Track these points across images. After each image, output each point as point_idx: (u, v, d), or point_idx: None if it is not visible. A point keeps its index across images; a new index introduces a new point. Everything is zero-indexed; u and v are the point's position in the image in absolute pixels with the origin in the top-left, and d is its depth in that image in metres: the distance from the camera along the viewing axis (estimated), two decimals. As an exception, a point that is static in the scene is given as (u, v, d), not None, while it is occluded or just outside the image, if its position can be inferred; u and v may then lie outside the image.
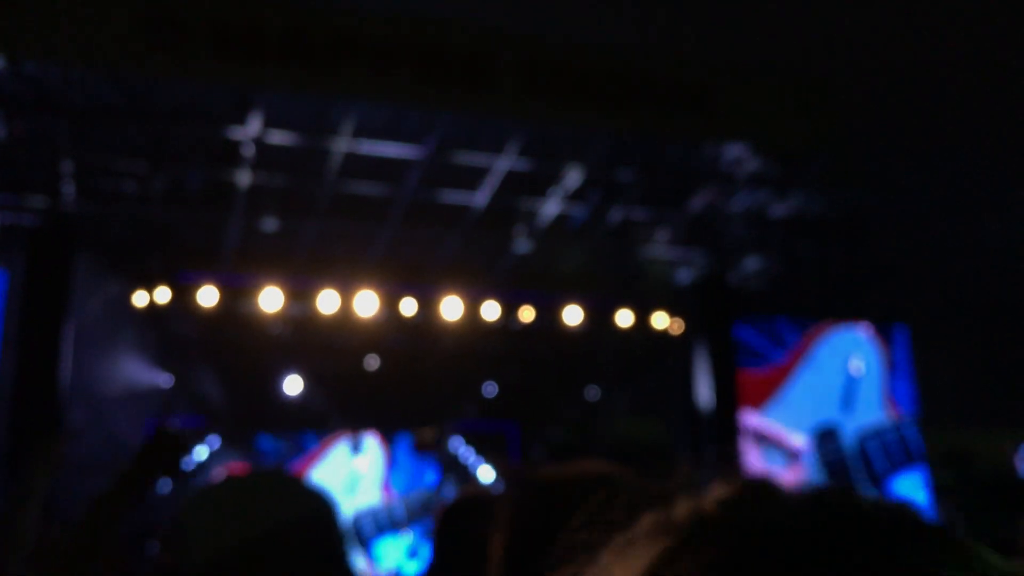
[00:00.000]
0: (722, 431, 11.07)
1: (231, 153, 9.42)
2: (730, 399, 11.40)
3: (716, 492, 0.60)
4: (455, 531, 2.15)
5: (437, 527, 2.29)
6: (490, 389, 14.57)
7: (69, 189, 9.84)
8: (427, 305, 11.89)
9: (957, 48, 10.03)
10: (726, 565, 0.53)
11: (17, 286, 9.94)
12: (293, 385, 13.25)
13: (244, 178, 9.66)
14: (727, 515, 0.57)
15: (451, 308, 11.78)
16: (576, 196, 10.49)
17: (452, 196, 10.50)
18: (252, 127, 8.81)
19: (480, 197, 10.33)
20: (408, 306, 11.73)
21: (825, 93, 9.55)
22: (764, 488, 0.59)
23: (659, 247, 11.55)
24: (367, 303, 11.47)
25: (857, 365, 11.99)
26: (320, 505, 1.56)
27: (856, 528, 0.53)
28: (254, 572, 1.40)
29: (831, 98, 9.46)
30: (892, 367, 12.22)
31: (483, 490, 2.11)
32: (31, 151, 9.46)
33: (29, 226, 10.02)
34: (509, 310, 12.05)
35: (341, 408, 13.56)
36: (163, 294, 10.71)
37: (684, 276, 12.18)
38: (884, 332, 12.22)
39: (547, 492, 1.32)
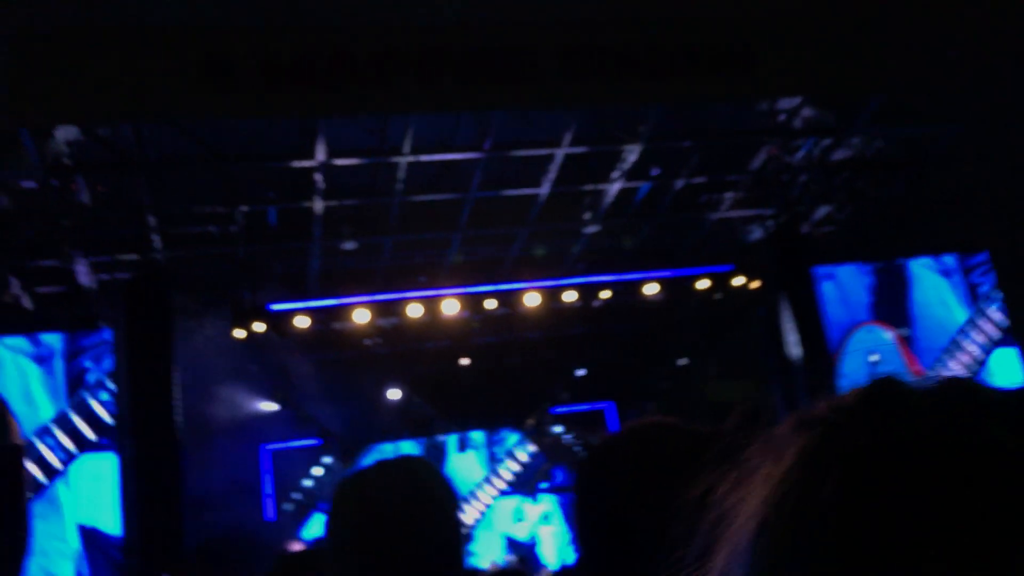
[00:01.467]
0: (815, 381, 11.08)
1: (302, 183, 9.78)
2: (819, 348, 11.40)
3: (848, 392, 0.61)
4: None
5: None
6: (580, 372, 14.77)
7: (156, 240, 10.34)
8: (507, 299, 12.15)
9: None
10: (872, 448, 0.54)
11: (122, 340, 10.46)
12: (394, 395, 13.65)
13: (318, 205, 10.03)
14: (865, 406, 0.58)
15: (531, 299, 12.02)
16: (637, 172, 10.60)
17: (516, 191, 10.72)
18: (318, 155, 9.14)
19: (543, 189, 10.52)
20: (490, 303, 12.00)
21: (871, 34, 9.48)
22: (892, 382, 0.60)
23: (726, 209, 11.60)
24: (451, 306, 11.78)
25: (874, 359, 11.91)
26: (449, 493, 1.69)
27: (985, 409, 0.55)
28: (387, 553, 1.52)
29: (876, 37, 9.40)
30: (976, 297, 12.08)
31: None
32: (116, 210, 9.96)
33: (125, 281, 10.55)
34: (588, 293, 12.22)
35: (442, 410, 13.92)
36: (258, 325, 11.17)
37: (756, 233, 12.21)
38: (964, 262, 12.08)
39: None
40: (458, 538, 1.63)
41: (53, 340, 10.62)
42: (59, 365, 10.58)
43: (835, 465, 0.54)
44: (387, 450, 14.31)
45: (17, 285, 10.50)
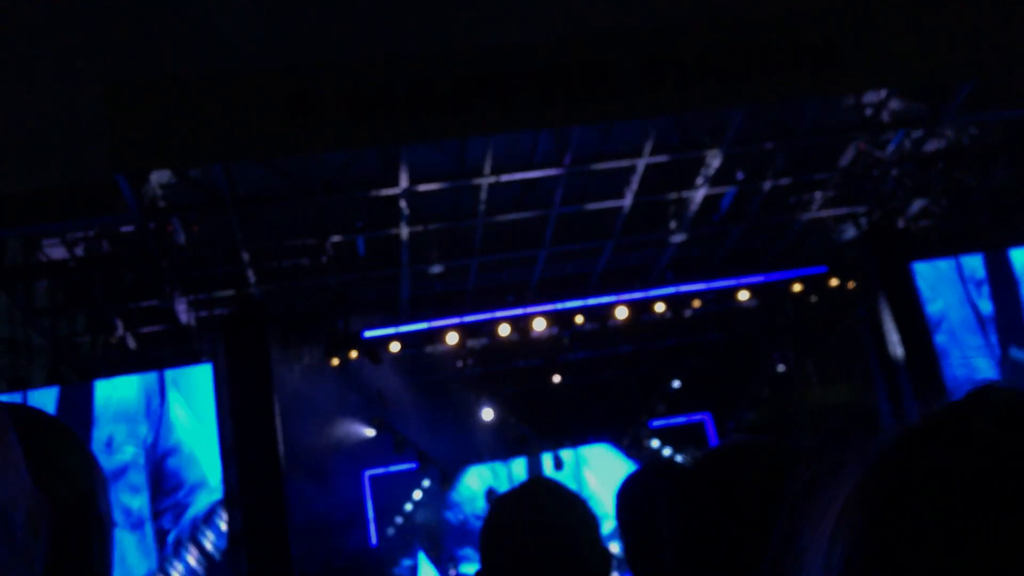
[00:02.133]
0: (921, 380, 10.70)
1: (388, 211, 9.91)
2: (923, 345, 11.01)
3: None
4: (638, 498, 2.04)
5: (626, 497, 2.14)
6: (676, 384, 14.58)
7: (251, 275, 10.59)
8: (596, 314, 12.07)
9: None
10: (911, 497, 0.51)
11: (223, 373, 10.71)
12: (488, 415, 13.68)
13: (404, 231, 10.14)
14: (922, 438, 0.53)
15: (620, 312, 11.92)
16: (721, 177, 10.44)
17: (599, 204, 10.66)
18: (402, 183, 9.25)
19: (626, 200, 10.44)
20: (579, 319, 11.95)
21: (958, 16, 9.17)
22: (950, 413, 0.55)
23: (818, 208, 11.33)
24: (540, 323, 11.77)
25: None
26: (591, 516, 1.72)
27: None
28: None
29: (962, 21, 9.08)
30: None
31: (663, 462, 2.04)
32: (211, 248, 10.25)
33: (222, 316, 10.82)
34: (678, 303, 12.07)
35: (536, 428, 13.89)
36: (353, 352, 11.31)
37: (850, 232, 11.89)
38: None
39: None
40: (605, 558, 1.67)
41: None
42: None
43: (874, 516, 0.51)
44: (484, 471, 14.32)
45: (121, 326, 10.86)
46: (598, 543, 1.68)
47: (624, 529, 1.90)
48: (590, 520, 1.70)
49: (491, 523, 1.72)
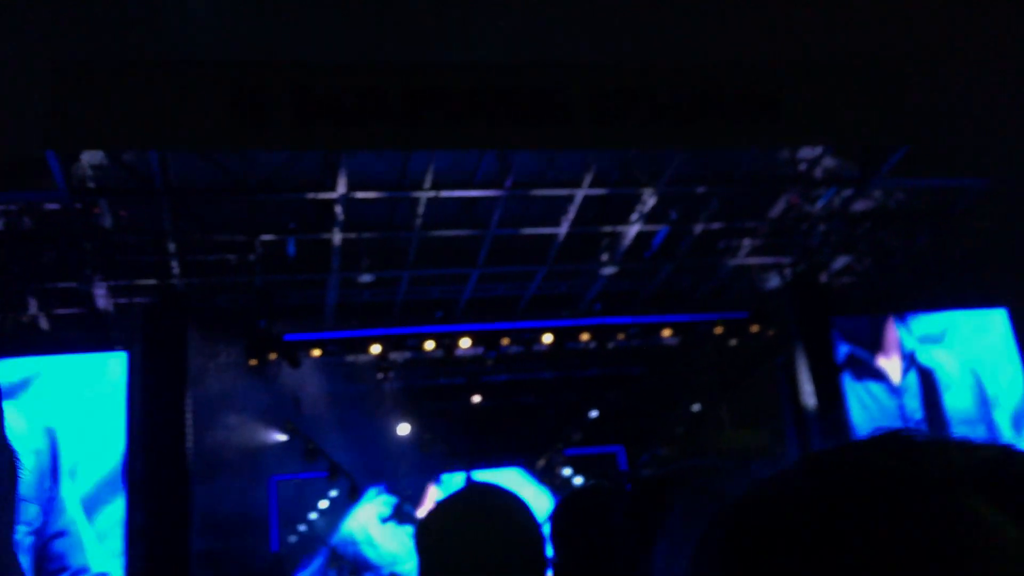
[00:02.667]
0: (830, 430, 10.98)
1: (323, 215, 9.84)
2: (835, 398, 11.31)
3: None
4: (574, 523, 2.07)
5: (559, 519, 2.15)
6: (593, 414, 14.70)
7: (175, 266, 10.39)
8: (523, 338, 12.13)
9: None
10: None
11: (137, 364, 10.48)
12: (404, 430, 13.59)
13: (337, 237, 10.07)
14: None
15: (546, 338, 11.99)
16: (656, 215, 10.62)
17: (535, 229, 10.75)
18: (339, 189, 9.19)
19: (562, 228, 10.54)
20: (505, 341, 11.99)
21: (897, 83, 9.51)
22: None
23: (745, 255, 11.59)
24: (465, 342, 11.77)
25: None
26: (532, 520, 1.73)
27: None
28: None
29: (903, 89, 9.42)
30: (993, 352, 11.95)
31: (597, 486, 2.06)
32: (137, 235, 10.03)
33: (142, 305, 10.59)
34: (603, 334, 12.20)
35: (452, 447, 13.85)
36: (273, 355, 11.16)
37: (774, 281, 12.18)
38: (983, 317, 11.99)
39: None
40: (542, 566, 1.68)
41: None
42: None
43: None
44: (397, 485, 14.22)
45: (35, 305, 10.54)
46: (539, 551, 1.68)
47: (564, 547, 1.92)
48: (532, 528, 1.70)
49: (433, 524, 1.70)
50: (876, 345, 11.64)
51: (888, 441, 0.56)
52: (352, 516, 13.59)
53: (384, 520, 13.42)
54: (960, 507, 0.49)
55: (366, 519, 13.50)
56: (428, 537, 1.68)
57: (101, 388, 10.46)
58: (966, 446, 0.55)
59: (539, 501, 14.15)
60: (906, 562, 0.48)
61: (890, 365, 11.77)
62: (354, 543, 13.26)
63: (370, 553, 13.10)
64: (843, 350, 11.49)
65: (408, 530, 13.18)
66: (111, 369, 10.51)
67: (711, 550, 0.54)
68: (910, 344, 11.79)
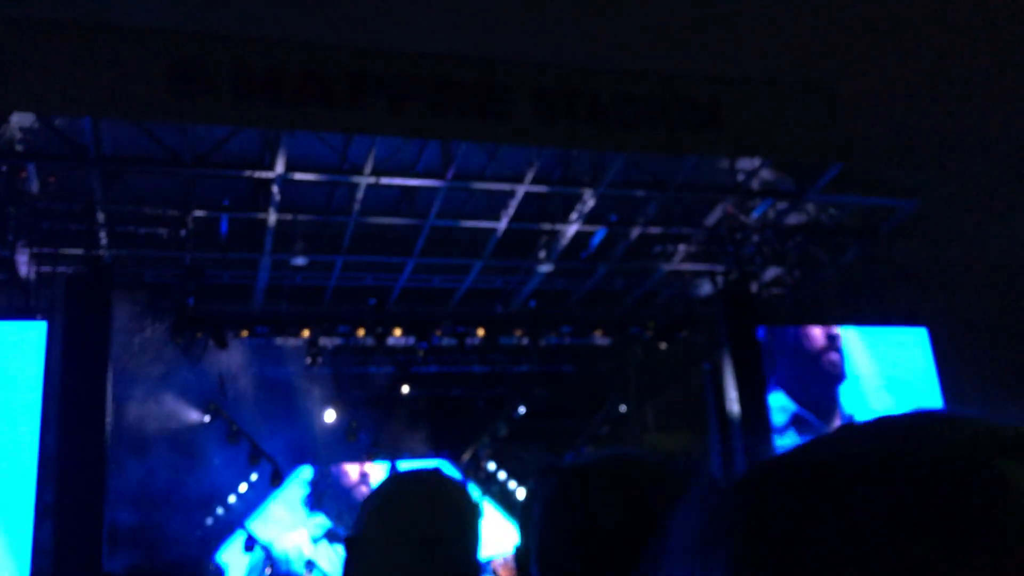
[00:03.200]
0: (753, 438, 11.17)
1: (258, 194, 9.70)
2: (759, 407, 11.49)
3: None
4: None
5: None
6: (521, 410, 14.74)
7: (103, 237, 10.15)
8: (455, 330, 12.10)
9: (968, 48, 10.15)
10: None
11: (57, 334, 10.21)
12: (330, 417, 13.47)
13: (272, 217, 9.93)
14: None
15: (479, 331, 11.99)
16: (594, 217, 10.69)
17: (474, 223, 10.74)
18: (277, 168, 9.07)
19: (501, 223, 10.55)
20: (438, 332, 11.95)
21: (835, 103, 9.71)
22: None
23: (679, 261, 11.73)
24: (397, 331, 11.70)
25: None
26: (471, 504, 1.78)
27: None
28: (417, 562, 1.64)
29: (841, 109, 9.62)
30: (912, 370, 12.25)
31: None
32: (64, 202, 9.77)
33: (66, 275, 10.32)
34: (535, 331, 12.23)
35: (378, 436, 13.77)
36: (199, 333, 10.97)
37: (705, 288, 12.35)
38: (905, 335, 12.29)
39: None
40: (472, 546, 1.72)
41: None
42: None
43: None
44: (318, 472, 14.09)
45: (-47, 269, 10.22)
46: (471, 531, 1.74)
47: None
48: (466, 509, 1.76)
49: (383, 495, 1.75)
50: (822, 411, 11.76)
51: (928, 416, 0.56)
52: (284, 533, 13.42)
53: (316, 541, 13.28)
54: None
55: (300, 540, 13.34)
56: (371, 503, 1.74)
57: (17, 358, 10.16)
58: (999, 422, 0.55)
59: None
60: (961, 529, 0.48)
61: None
62: (288, 563, 13.12)
63: (302, 572, 12.96)
64: (789, 409, 11.57)
65: (340, 550, 13.07)
66: (29, 339, 10.23)
67: (753, 512, 0.52)
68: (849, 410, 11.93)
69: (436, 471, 1.86)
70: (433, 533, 1.68)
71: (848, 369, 11.84)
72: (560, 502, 1.43)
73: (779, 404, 11.51)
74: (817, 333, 11.79)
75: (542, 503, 1.47)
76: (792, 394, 11.63)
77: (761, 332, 11.57)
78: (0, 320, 10.35)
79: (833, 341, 11.79)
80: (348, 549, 1.70)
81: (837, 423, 11.93)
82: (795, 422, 11.56)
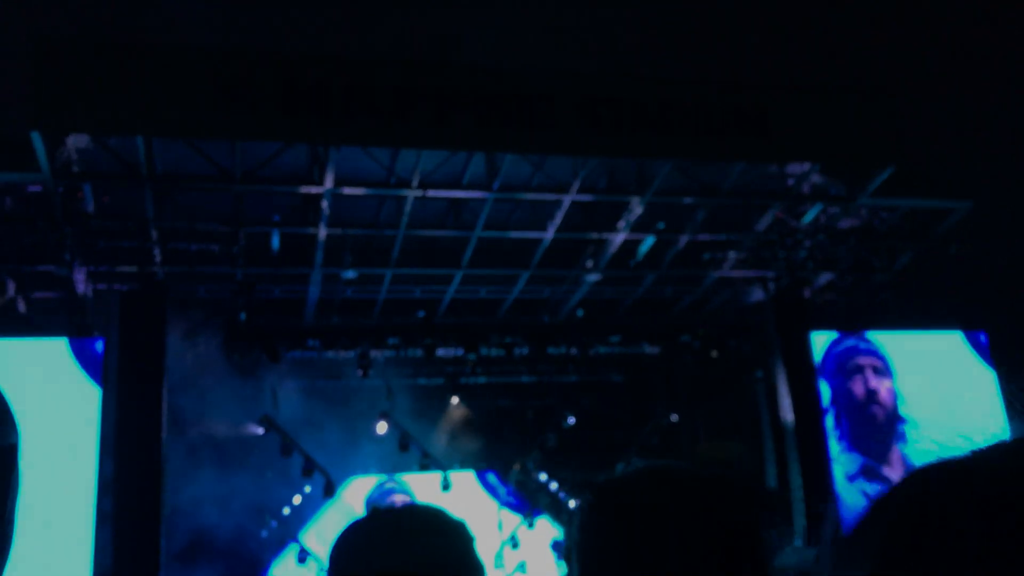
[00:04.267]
0: (807, 445, 11.01)
1: (308, 209, 9.79)
2: (812, 413, 11.33)
3: None
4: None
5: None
6: (571, 420, 14.69)
7: (157, 254, 10.32)
8: (503, 341, 12.10)
9: (1022, 47, 9.95)
10: None
11: (114, 350, 10.40)
12: (381, 428, 13.54)
13: (322, 232, 10.02)
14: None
15: (528, 343, 11.98)
16: (642, 225, 10.62)
17: (521, 233, 10.74)
18: (326, 183, 9.15)
19: (547, 233, 10.53)
20: (486, 343, 11.96)
21: (884, 106, 9.55)
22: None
23: (729, 268, 11.61)
24: (446, 343, 11.74)
25: None
26: (463, 537, 1.62)
27: None
28: None
29: (891, 111, 9.46)
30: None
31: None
32: (119, 221, 9.95)
33: (121, 292, 10.51)
34: (585, 341, 12.19)
35: (429, 447, 13.80)
36: (251, 348, 11.10)
37: (757, 295, 12.21)
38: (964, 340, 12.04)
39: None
40: None
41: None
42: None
43: None
44: (371, 482, 14.17)
45: (13, 288, 10.45)
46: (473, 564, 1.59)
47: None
48: (463, 549, 1.60)
49: (353, 537, 1.60)
50: (883, 458, 11.60)
51: None
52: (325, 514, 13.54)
53: None
54: None
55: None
56: (337, 552, 1.59)
57: (76, 374, 10.37)
58: None
59: (486, 507, 14.11)
60: None
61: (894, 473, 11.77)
62: None
63: None
64: (857, 462, 11.39)
65: None
66: (87, 355, 10.42)
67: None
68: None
69: (415, 508, 1.70)
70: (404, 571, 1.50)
71: (901, 406, 11.63)
72: (599, 517, 1.36)
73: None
74: (858, 388, 11.59)
75: (581, 521, 1.39)
76: (854, 446, 11.44)
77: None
78: (60, 336, 10.59)
79: (873, 395, 11.59)
80: None
81: (898, 469, 11.75)
82: (864, 471, 11.32)
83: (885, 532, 0.57)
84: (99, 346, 10.47)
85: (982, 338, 11.98)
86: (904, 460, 11.57)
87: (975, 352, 11.94)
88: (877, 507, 0.61)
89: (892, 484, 0.62)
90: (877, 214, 10.99)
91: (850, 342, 11.65)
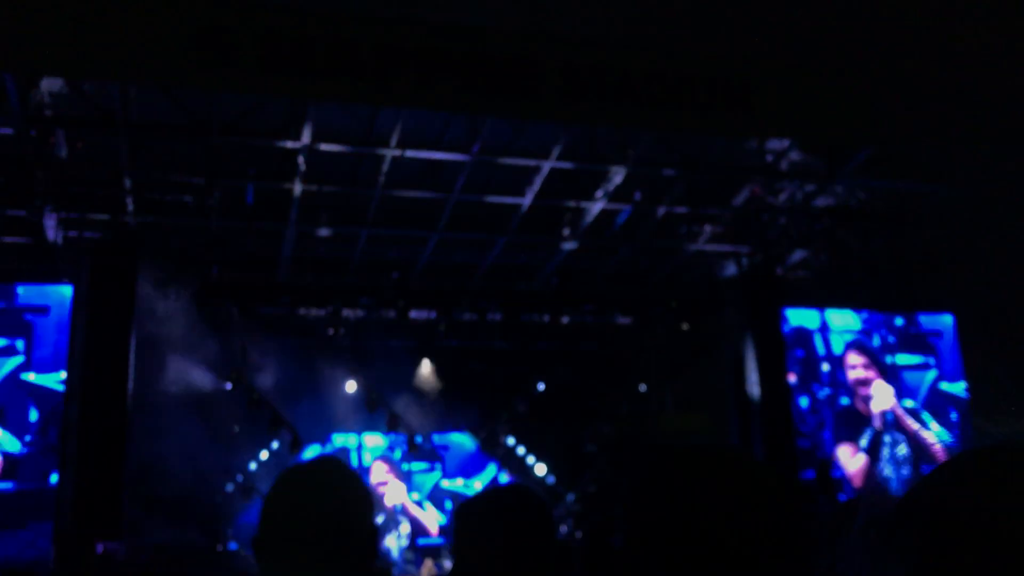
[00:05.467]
0: (771, 420, 11.13)
1: (285, 164, 9.69)
2: (779, 388, 11.44)
3: None
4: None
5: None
6: (541, 387, 14.74)
7: (129, 203, 10.19)
8: (477, 305, 12.09)
9: (1005, 34, 9.95)
10: None
11: (82, 299, 10.29)
12: (350, 388, 13.53)
13: (298, 188, 9.93)
14: None
15: (502, 309, 11.97)
16: (620, 194, 10.61)
17: (499, 198, 10.69)
18: (304, 139, 9.05)
19: (526, 199, 10.50)
20: (459, 307, 11.94)
21: (866, 85, 9.55)
22: None
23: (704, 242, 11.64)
24: (419, 305, 11.71)
25: None
26: (366, 492, 1.84)
27: None
28: (311, 544, 1.69)
29: (872, 90, 9.47)
30: (938, 357, 12.17)
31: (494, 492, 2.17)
32: (92, 168, 9.81)
33: (93, 241, 10.38)
34: (557, 309, 12.20)
35: (398, 409, 13.81)
36: (223, 302, 11.02)
37: (730, 269, 12.26)
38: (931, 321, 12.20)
39: None
40: (373, 533, 1.79)
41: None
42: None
43: None
44: (337, 441, 14.19)
45: (-19, 231, 10.30)
46: (369, 518, 1.81)
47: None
48: (364, 496, 1.82)
49: (275, 492, 1.79)
50: None
51: None
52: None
53: None
54: None
55: None
56: (267, 505, 1.78)
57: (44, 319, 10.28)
58: None
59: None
60: None
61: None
62: None
63: None
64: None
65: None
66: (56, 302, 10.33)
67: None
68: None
69: (327, 462, 1.87)
70: (324, 531, 1.71)
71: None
72: (662, 483, 1.38)
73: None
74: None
75: (637, 480, 1.43)
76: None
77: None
78: (28, 284, 10.47)
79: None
80: (255, 552, 1.74)
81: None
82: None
83: (922, 532, 0.57)
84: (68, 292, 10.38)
85: (950, 319, 12.13)
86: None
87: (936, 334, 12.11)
88: (910, 502, 0.61)
89: (923, 477, 0.63)
90: (854, 194, 11.04)
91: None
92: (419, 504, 14.27)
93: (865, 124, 9.47)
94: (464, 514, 2.04)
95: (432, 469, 14.72)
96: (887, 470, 11.63)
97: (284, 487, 1.79)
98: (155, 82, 8.42)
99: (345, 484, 1.79)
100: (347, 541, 1.72)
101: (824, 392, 11.99)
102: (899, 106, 9.24)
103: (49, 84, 8.46)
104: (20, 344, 10.54)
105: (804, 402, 11.81)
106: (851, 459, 11.71)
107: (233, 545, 12.50)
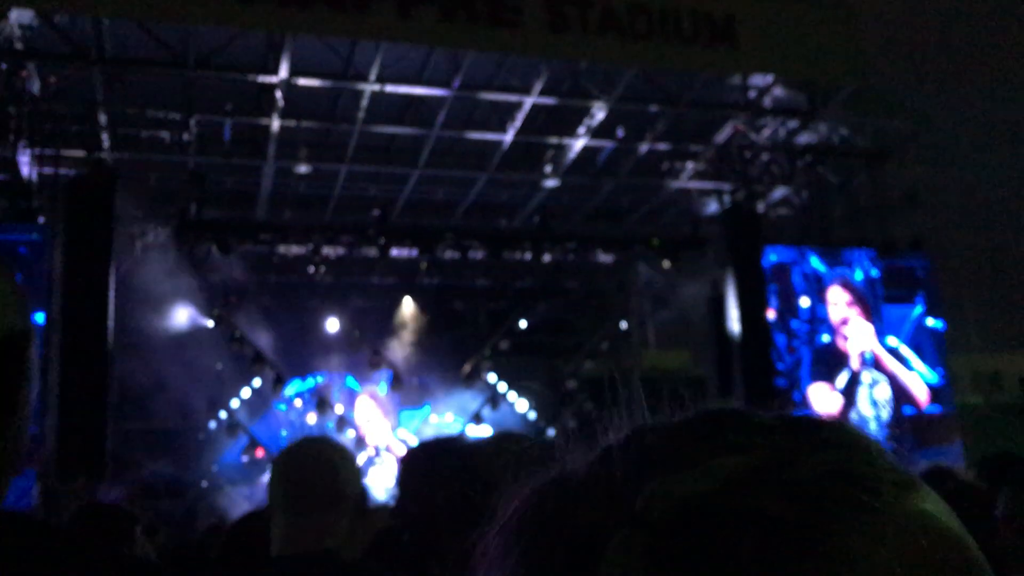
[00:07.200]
0: (751, 357, 11.21)
1: (262, 99, 9.55)
2: (760, 325, 11.50)
3: None
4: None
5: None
6: (523, 324, 14.78)
7: (105, 139, 10.04)
8: (459, 243, 12.04)
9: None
10: None
11: (59, 236, 10.17)
12: (332, 326, 13.52)
13: (275, 123, 9.81)
14: None
15: (483, 245, 11.94)
16: (602, 131, 10.54)
17: (480, 134, 10.60)
18: (281, 73, 8.92)
19: (507, 135, 10.42)
20: (441, 245, 11.90)
21: (850, 22, 9.48)
22: None
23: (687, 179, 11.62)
24: (400, 243, 11.66)
25: None
26: (351, 462, 2.13)
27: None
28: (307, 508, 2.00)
29: (856, 27, 9.39)
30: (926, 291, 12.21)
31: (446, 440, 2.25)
32: (66, 104, 9.64)
33: (68, 177, 10.23)
34: (539, 246, 12.18)
35: (379, 347, 13.84)
36: (202, 240, 10.94)
37: (712, 207, 12.26)
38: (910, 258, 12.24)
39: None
40: (363, 494, 2.12)
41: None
42: None
43: None
44: (318, 380, 14.20)
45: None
46: (358, 480, 2.12)
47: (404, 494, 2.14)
48: (351, 462, 2.13)
49: (280, 464, 2.10)
50: None
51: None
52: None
53: None
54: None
55: None
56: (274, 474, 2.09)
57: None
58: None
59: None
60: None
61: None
62: None
63: None
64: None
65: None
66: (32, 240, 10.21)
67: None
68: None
69: (321, 438, 2.22)
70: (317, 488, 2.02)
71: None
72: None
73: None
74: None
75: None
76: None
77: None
78: (2, 222, 10.33)
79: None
80: (270, 511, 2.05)
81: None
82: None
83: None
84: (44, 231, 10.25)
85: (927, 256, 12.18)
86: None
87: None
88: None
89: None
90: (836, 131, 11.01)
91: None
92: (404, 444, 14.39)
93: (848, 61, 9.41)
94: (408, 467, 2.12)
95: (419, 406, 14.80)
96: (865, 411, 11.75)
97: (288, 459, 2.10)
98: (128, 16, 8.25)
99: (338, 456, 2.09)
100: (341, 500, 2.03)
101: (804, 328, 12.04)
102: (882, 44, 9.18)
103: (19, 15, 8.26)
104: None
105: (782, 340, 11.87)
106: (826, 398, 11.81)
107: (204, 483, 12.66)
